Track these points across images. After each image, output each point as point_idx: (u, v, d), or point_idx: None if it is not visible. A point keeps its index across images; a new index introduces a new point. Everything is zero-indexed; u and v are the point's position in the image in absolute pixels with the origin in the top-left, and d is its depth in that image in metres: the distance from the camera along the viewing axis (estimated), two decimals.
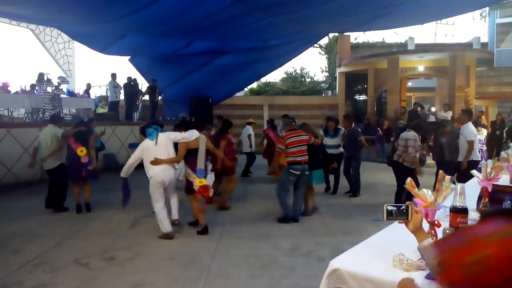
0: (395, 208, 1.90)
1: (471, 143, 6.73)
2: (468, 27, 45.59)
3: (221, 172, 6.73)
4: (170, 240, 5.17)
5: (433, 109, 14.34)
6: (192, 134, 5.44)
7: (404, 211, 1.88)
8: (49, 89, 10.50)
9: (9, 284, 3.90)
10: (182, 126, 6.16)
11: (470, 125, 6.95)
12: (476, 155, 6.92)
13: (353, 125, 8.19)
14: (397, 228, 2.68)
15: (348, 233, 5.48)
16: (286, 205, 6.02)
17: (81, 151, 6.26)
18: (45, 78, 10.89)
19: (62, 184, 6.57)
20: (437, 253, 0.93)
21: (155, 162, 5.17)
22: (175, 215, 5.72)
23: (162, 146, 5.28)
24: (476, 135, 6.97)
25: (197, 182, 5.27)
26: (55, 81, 10.86)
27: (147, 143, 5.28)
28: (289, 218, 5.98)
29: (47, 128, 6.66)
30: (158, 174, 5.19)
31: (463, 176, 6.40)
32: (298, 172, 5.84)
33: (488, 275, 0.81)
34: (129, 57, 13.99)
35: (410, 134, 6.20)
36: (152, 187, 5.26)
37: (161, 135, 5.38)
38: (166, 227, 5.19)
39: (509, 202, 2.85)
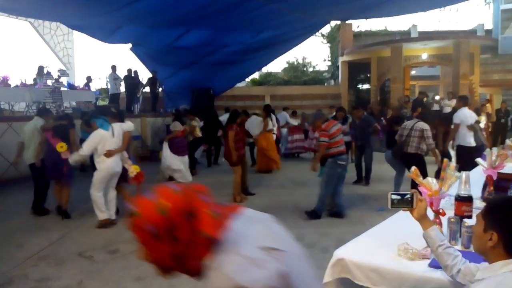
0: (399, 196, 1.87)
1: (455, 126, 6.86)
2: (472, 14, 45.10)
3: (231, 164, 6.71)
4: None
5: (437, 97, 14.24)
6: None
7: (409, 199, 1.86)
8: (49, 82, 10.47)
9: (14, 277, 3.92)
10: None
11: (461, 110, 6.97)
12: (466, 141, 6.80)
13: (364, 114, 8.43)
14: (401, 217, 2.65)
15: (352, 223, 5.46)
16: (325, 201, 5.71)
17: (61, 146, 5.60)
18: (45, 71, 10.86)
19: (44, 182, 6.02)
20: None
21: (109, 153, 5.21)
22: (113, 215, 5.52)
23: (118, 137, 5.37)
24: (465, 121, 6.82)
25: (132, 169, 5.43)
26: (55, 74, 10.83)
27: (103, 133, 5.23)
28: (320, 214, 5.70)
29: (32, 121, 6.21)
30: (113, 166, 5.28)
31: (458, 162, 6.42)
32: (344, 162, 5.66)
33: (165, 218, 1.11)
34: (130, 46, 13.88)
35: (423, 124, 6.06)
36: (100, 178, 5.27)
37: (116, 126, 5.39)
38: (104, 214, 5.33)
39: None
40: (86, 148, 5.18)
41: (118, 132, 5.37)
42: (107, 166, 5.23)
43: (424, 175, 5.93)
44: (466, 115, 6.87)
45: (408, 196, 1.86)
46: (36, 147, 5.89)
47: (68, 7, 8.68)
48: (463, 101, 7.18)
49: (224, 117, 12.25)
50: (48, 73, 10.69)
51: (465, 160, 5.93)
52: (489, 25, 17.18)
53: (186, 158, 8.29)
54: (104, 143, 5.20)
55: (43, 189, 6.07)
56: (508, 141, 4.17)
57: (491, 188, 3.02)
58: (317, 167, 5.81)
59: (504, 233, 1.44)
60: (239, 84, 18.53)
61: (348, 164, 6.13)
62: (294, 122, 12.06)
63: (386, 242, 2.28)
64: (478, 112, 7.93)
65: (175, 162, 8.15)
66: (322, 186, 5.65)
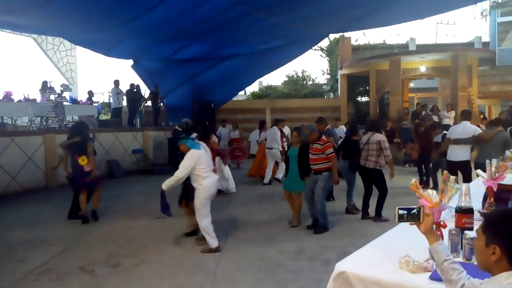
0: (406, 211, 1.90)
1: (446, 140, 6.93)
2: (469, 27, 45.64)
3: None
4: (176, 248, 5.15)
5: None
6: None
7: (416, 213, 1.88)
8: (52, 96, 10.56)
9: None
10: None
11: (458, 124, 6.95)
12: (454, 155, 6.59)
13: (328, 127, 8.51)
14: (403, 230, 2.67)
15: (354, 235, 5.45)
16: (326, 213, 5.69)
17: (82, 160, 6.27)
18: (49, 86, 10.96)
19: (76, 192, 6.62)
20: None
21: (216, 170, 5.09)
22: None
23: (209, 155, 5.08)
24: (456, 133, 6.63)
25: None
26: (58, 89, 10.92)
27: (198, 152, 4.77)
28: (327, 226, 5.67)
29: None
30: (214, 185, 4.91)
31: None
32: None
33: None
34: (132, 63, 14.06)
35: (380, 135, 6.02)
36: (203, 201, 4.78)
37: (203, 144, 5.12)
38: (216, 242, 4.93)
39: None
40: (182, 170, 4.66)
41: (207, 150, 5.09)
42: (210, 185, 4.81)
43: (383, 189, 6.00)
44: (452, 129, 6.94)
45: (415, 210, 1.89)
46: (63, 162, 6.60)
47: (71, 23, 8.81)
48: (465, 115, 6.88)
49: (221, 131, 12.42)
50: (51, 88, 10.79)
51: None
52: (486, 38, 17.37)
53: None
54: (201, 160, 4.75)
55: (76, 199, 6.56)
56: (507, 152, 4.19)
57: (492, 199, 3.03)
58: (336, 179, 5.75)
59: (507, 246, 1.46)
60: (239, 97, 18.65)
61: None
62: None
63: (388, 254, 2.29)
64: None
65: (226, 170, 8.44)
66: (319, 200, 5.60)
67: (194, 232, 5.46)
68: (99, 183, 6.61)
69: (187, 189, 5.27)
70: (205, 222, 4.82)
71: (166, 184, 4.66)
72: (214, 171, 5.05)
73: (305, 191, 5.84)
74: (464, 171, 6.58)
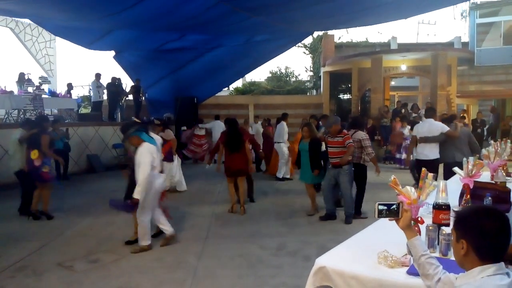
0: (385, 207, 1.94)
1: (412, 138, 6.84)
2: (449, 27, 46.51)
3: None
4: (157, 243, 5.10)
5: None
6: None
7: (395, 209, 1.92)
8: (30, 89, 10.30)
9: None
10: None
11: (422, 122, 6.79)
12: (423, 154, 6.44)
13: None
14: (381, 226, 2.72)
15: (334, 231, 5.51)
16: (353, 200, 6.01)
17: (34, 154, 6.01)
18: (26, 78, 10.68)
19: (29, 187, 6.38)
20: None
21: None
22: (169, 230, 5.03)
23: (159, 151, 5.01)
24: (420, 131, 6.49)
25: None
26: (36, 81, 10.65)
27: (152, 147, 4.62)
28: (358, 212, 6.04)
29: (15, 132, 6.65)
30: (162, 183, 4.90)
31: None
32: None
33: None
34: (114, 54, 13.79)
35: (362, 133, 6.11)
36: (150, 198, 4.67)
37: (157, 138, 5.11)
38: (149, 241, 4.84)
39: (490, 198, 2.92)
40: (146, 168, 4.44)
41: (159, 145, 5.03)
42: (160, 182, 4.79)
43: (363, 185, 6.12)
44: (418, 127, 6.68)
45: (394, 206, 1.93)
46: (21, 156, 6.30)
47: (55, 10, 8.58)
48: (430, 112, 6.79)
49: (210, 125, 12.48)
50: (29, 80, 10.52)
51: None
52: (465, 38, 17.73)
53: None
54: (153, 157, 4.62)
55: (29, 194, 6.37)
56: (484, 151, 4.30)
57: (468, 196, 3.11)
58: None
59: (473, 239, 1.52)
60: (222, 93, 18.55)
61: None
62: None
63: (367, 250, 2.33)
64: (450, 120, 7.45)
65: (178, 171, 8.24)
66: (348, 192, 5.83)
67: (158, 234, 5.22)
68: (48, 180, 6.27)
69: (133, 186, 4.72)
70: (147, 219, 4.75)
71: (139, 192, 4.43)
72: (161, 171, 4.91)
73: (324, 184, 6.04)
74: (433, 170, 6.57)
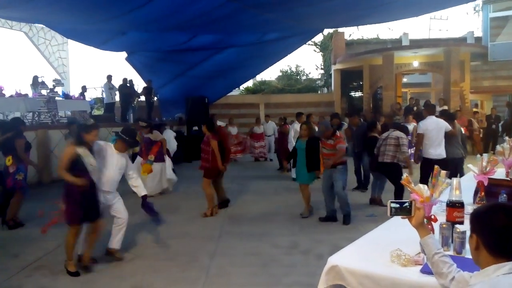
0: (398, 204, 1.93)
1: (419, 136, 6.43)
2: (462, 22, 45.83)
3: None
4: (168, 243, 5.14)
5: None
6: None
7: (408, 207, 1.92)
8: (44, 91, 10.46)
9: None
10: None
11: (426, 119, 6.41)
12: (428, 153, 6.21)
13: (360, 121, 8.61)
14: (394, 224, 2.70)
15: (347, 229, 5.49)
16: (349, 202, 5.89)
17: (8, 160, 5.63)
18: (40, 81, 10.85)
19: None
20: None
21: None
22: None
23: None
24: (429, 129, 6.23)
25: None
26: (50, 84, 10.82)
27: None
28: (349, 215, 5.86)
29: None
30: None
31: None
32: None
33: None
34: (126, 56, 13.94)
35: (399, 132, 6.13)
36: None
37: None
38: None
39: (505, 195, 2.88)
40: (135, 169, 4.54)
41: None
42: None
43: (399, 184, 6.03)
44: (421, 125, 6.42)
45: (407, 204, 1.92)
46: None
47: (64, 14, 8.72)
48: (430, 110, 6.61)
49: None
50: (43, 83, 10.69)
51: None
52: (479, 33, 17.45)
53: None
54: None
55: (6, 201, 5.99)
56: (498, 147, 4.23)
57: (482, 194, 3.08)
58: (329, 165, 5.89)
59: (484, 235, 1.51)
60: (233, 92, 18.59)
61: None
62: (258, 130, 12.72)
63: (379, 248, 2.32)
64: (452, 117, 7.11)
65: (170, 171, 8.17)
66: (340, 191, 5.76)
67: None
68: (20, 189, 5.88)
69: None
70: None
71: (143, 188, 4.63)
72: None
73: (323, 186, 5.97)
74: (447, 169, 6.37)
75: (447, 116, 6.98)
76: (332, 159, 5.69)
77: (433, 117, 6.43)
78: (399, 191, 6.09)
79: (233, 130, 12.63)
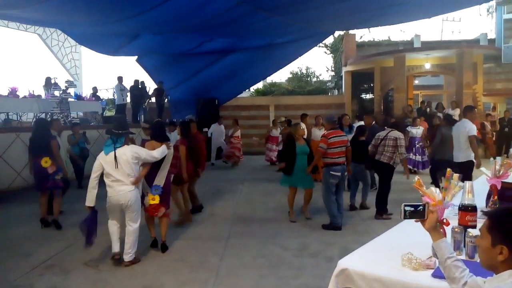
0: (412, 208, 1.91)
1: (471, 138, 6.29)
2: (475, 24, 45.20)
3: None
4: (180, 244, 5.16)
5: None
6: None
7: (421, 210, 1.90)
8: (56, 93, 10.59)
9: (20, 286, 3.95)
10: None
11: (464, 122, 6.43)
12: (463, 156, 6.28)
13: (373, 122, 8.67)
14: (405, 227, 2.68)
15: (357, 232, 5.46)
16: (334, 212, 5.63)
17: (46, 162, 5.64)
18: (53, 82, 10.99)
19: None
20: None
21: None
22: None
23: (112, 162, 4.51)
24: (463, 132, 6.27)
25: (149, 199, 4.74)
26: (62, 85, 10.96)
27: (101, 155, 4.43)
28: (337, 226, 5.60)
29: None
30: (115, 195, 4.51)
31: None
32: (339, 174, 5.60)
33: None
34: (136, 57, 14.05)
35: (397, 132, 6.04)
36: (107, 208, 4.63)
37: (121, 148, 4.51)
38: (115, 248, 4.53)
39: None
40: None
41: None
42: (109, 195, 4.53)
43: (384, 185, 6.02)
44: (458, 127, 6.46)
45: (421, 207, 1.91)
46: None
47: (79, 15, 8.81)
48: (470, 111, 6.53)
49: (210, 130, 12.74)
50: (56, 84, 10.82)
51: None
52: (492, 35, 17.22)
53: None
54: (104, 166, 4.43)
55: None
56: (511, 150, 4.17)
57: (495, 197, 3.03)
58: (309, 171, 5.91)
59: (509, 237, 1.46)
60: (243, 94, 18.61)
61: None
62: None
63: (390, 251, 2.29)
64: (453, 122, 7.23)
65: None
66: (324, 197, 5.72)
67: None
68: (59, 188, 5.94)
69: None
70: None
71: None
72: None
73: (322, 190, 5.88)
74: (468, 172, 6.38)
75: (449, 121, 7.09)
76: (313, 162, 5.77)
77: (467, 120, 6.41)
78: (384, 194, 6.04)
79: (275, 132, 12.34)
